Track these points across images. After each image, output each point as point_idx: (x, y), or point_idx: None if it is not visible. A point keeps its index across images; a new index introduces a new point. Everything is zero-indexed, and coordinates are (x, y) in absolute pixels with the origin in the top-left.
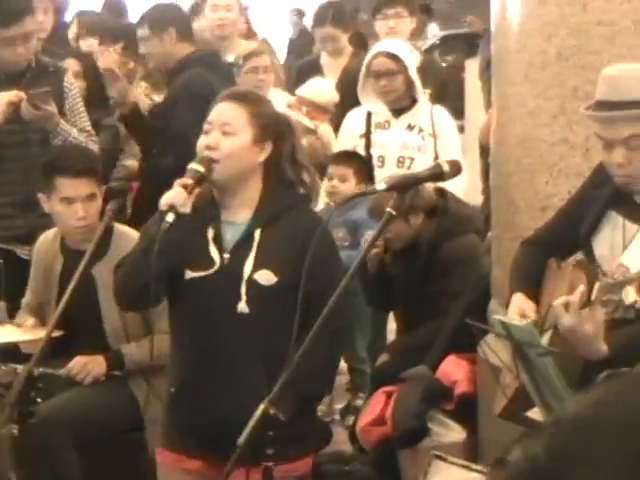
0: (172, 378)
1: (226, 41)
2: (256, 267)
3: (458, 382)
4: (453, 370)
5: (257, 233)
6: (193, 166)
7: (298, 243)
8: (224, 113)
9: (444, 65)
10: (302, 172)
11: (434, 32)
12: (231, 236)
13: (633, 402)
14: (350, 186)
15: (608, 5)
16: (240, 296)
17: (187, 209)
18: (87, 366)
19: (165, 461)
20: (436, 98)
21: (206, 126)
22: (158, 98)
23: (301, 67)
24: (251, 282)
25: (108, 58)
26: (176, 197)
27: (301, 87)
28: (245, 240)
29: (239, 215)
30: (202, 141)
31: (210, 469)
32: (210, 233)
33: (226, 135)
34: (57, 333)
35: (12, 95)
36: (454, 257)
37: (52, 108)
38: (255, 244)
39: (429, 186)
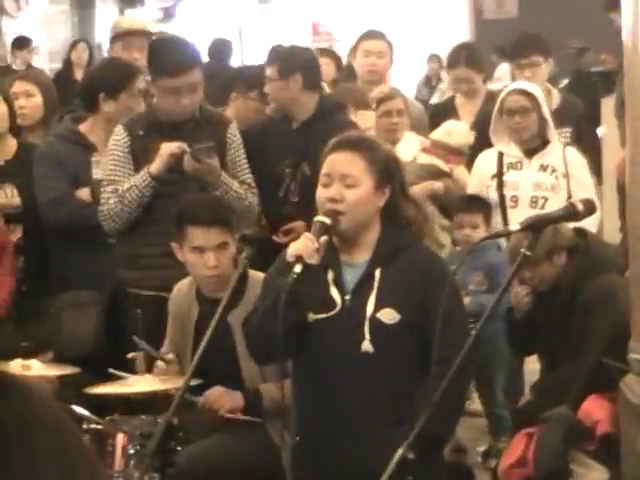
0: (297, 425)
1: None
2: (378, 306)
3: (600, 422)
4: (594, 410)
5: (377, 273)
6: (320, 219)
7: (417, 281)
8: (342, 164)
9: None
10: (414, 206)
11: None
12: (351, 277)
13: None
14: (481, 232)
15: None
16: (364, 335)
17: (314, 260)
18: (223, 396)
19: None
20: (576, 135)
21: (324, 179)
22: None
23: (436, 109)
24: (374, 321)
25: None
26: (304, 248)
27: (436, 130)
28: (365, 280)
29: (358, 257)
30: (323, 194)
31: None
32: (330, 275)
33: (348, 187)
34: (195, 382)
35: (175, 147)
36: (596, 296)
37: (215, 162)
38: (376, 284)
39: (569, 225)
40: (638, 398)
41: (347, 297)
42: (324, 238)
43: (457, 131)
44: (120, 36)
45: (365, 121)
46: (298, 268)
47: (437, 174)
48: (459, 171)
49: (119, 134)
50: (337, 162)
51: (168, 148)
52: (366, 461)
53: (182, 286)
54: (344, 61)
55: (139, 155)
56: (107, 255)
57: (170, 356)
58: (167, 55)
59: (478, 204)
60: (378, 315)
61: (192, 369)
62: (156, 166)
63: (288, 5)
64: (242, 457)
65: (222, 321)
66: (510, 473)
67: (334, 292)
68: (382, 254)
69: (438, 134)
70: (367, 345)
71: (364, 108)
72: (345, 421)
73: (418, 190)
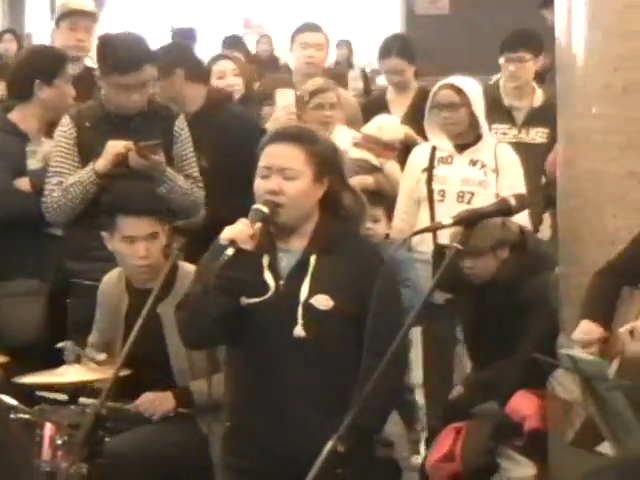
0: (229, 411)
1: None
2: (312, 292)
3: (528, 417)
4: (523, 406)
5: (312, 259)
6: (258, 207)
7: (354, 271)
8: (281, 157)
9: None
10: (353, 196)
11: None
12: (286, 263)
13: None
14: (382, 225)
15: None
16: (297, 320)
17: (248, 245)
18: (155, 402)
19: None
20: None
21: (263, 171)
22: None
23: (368, 103)
24: (307, 306)
25: None
26: (239, 233)
27: (367, 124)
28: (300, 266)
29: (294, 243)
30: (262, 186)
31: None
32: (265, 260)
33: (288, 179)
34: (124, 372)
35: (121, 146)
36: (532, 298)
37: (160, 158)
38: (310, 270)
39: (516, 221)
40: (567, 393)
41: (281, 282)
42: (259, 225)
43: (388, 126)
44: (67, 15)
45: (285, 99)
46: (230, 251)
47: (368, 169)
48: (390, 165)
49: (65, 125)
50: (276, 154)
51: (114, 147)
52: (296, 449)
53: (111, 277)
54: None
55: (85, 147)
56: (49, 245)
57: (101, 357)
58: (118, 51)
59: (378, 198)
60: (312, 301)
61: (121, 360)
62: (102, 163)
63: None
64: (170, 448)
65: (152, 312)
66: (438, 468)
67: (268, 277)
68: (319, 242)
69: (370, 128)
70: (299, 330)
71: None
72: (277, 407)
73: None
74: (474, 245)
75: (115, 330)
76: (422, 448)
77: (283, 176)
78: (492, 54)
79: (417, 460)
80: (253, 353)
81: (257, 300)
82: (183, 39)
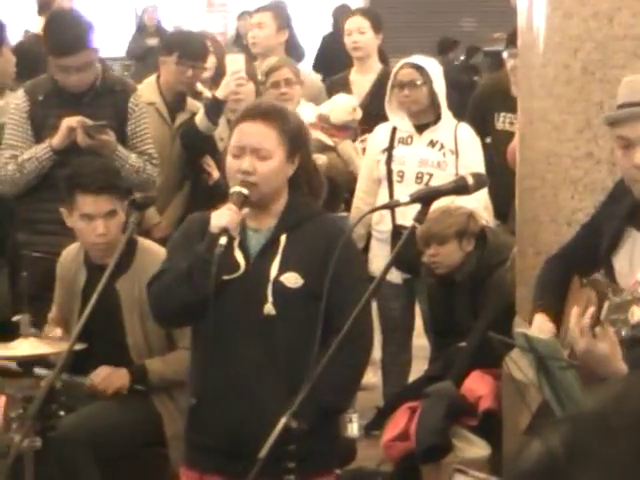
0: (194, 388)
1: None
2: (282, 270)
3: (482, 398)
4: (477, 386)
5: (282, 238)
6: (239, 190)
7: (322, 250)
8: (254, 136)
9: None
10: (317, 176)
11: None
12: (256, 242)
13: None
14: None
15: (634, 19)
16: (267, 298)
17: (236, 233)
18: (110, 377)
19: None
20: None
21: (235, 150)
22: None
23: (331, 84)
24: (277, 284)
25: None
26: (230, 221)
27: (322, 104)
28: (270, 245)
29: (264, 223)
30: (235, 165)
31: None
32: (235, 239)
33: (261, 158)
34: (80, 347)
35: (74, 121)
36: (493, 294)
37: (108, 137)
38: (280, 249)
39: (482, 214)
40: (521, 374)
41: (251, 261)
42: (246, 210)
43: (338, 107)
44: None
45: (235, 65)
46: (224, 240)
47: (322, 148)
48: (344, 145)
49: (19, 98)
50: (249, 133)
51: (68, 122)
52: (261, 427)
53: (70, 251)
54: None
55: (38, 120)
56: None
57: (58, 332)
58: (58, 34)
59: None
60: (281, 279)
61: (76, 333)
62: (58, 139)
63: None
64: (124, 424)
65: (109, 288)
66: (392, 446)
67: (238, 255)
68: (288, 221)
69: (324, 108)
70: (270, 308)
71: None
72: (243, 385)
73: None
74: (439, 231)
75: (72, 305)
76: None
77: (256, 156)
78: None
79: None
80: (221, 330)
81: (228, 278)
82: None
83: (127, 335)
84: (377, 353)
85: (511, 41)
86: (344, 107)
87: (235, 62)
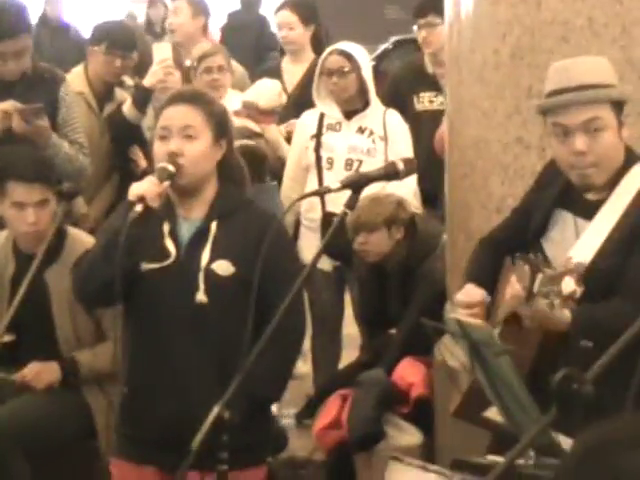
0: (126, 377)
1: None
2: (213, 258)
3: (414, 385)
4: (409, 373)
5: (213, 226)
6: (164, 165)
7: (253, 237)
8: (182, 117)
9: None
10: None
11: None
12: (187, 231)
13: None
14: None
15: (562, 4)
16: (198, 286)
17: (155, 203)
18: (41, 372)
19: (119, 471)
20: None
21: (162, 131)
22: None
23: (262, 73)
24: (209, 272)
25: None
26: (148, 189)
27: (247, 90)
28: (201, 233)
29: (195, 212)
30: (162, 148)
31: (166, 477)
32: (166, 227)
33: (188, 139)
34: (8, 338)
35: (8, 105)
36: (423, 285)
37: (44, 123)
38: (211, 236)
39: (412, 202)
40: (454, 360)
41: (182, 249)
42: (167, 183)
43: (266, 92)
44: None
45: (161, 53)
46: (139, 207)
47: (249, 135)
48: (271, 130)
49: None
50: (175, 115)
51: (2, 106)
52: (193, 418)
53: None
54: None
55: None
56: None
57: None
58: None
59: None
60: (213, 266)
61: (4, 325)
62: None
63: None
64: (54, 417)
65: (38, 278)
66: (324, 435)
67: (169, 243)
68: (219, 209)
69: (249, 95)
70: (201, 296)
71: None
72: (175, 375)
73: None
74: (368, 218)
75: (1, 294)
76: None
77: (184, 135)
78: (379, 23)
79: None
80: (152, 319)
81: (158, 265)
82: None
83: (56, 327)
84: (307, 342)
85: (420, 13)
86: (271, 92)
87: (162, 50)
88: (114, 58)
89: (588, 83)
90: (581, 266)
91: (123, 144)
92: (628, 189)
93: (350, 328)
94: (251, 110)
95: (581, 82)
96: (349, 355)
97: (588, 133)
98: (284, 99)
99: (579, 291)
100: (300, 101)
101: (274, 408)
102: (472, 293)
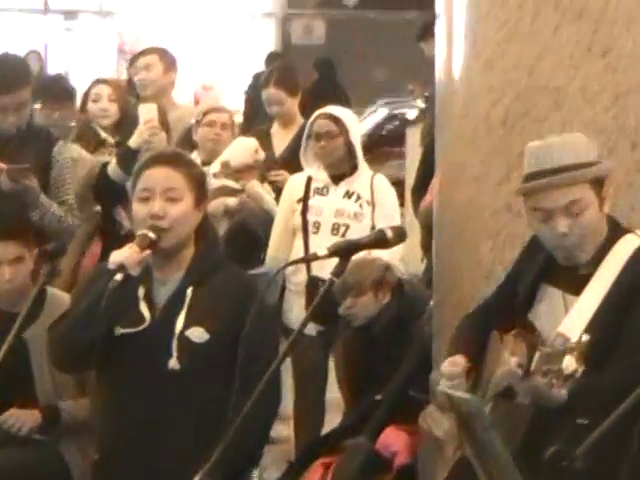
0: (98, 443)
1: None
2: (188, 324)
3: (398, 453)
4: (393, 441)
5: (189, 291)
6: (145, 232)
7: (229, 303)
8: (165, 179)
9: None
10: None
11: None
12: (162, 294)
13: None
14: None
15: (555, 71)
16: (171, 353)
17: (136, 272)
18: (21, 417)
19: None
20: None
21: (144, 193)
22: None
23: (252, 136)
24: (183, 339)
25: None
26: (128, 258)
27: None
28: (177, 298)
29: (171, 274)
30: (144, 209)
31: None
32: (141, 291)
33: (171, 201)
34: None
35: None
36: (416, 345)
37: (32, 183)
38: (187, 302)
39: (398, 266)
40: (438, 429)
41: (157, 313)
42: (148, 252)
43: (238, 149)
44: None
45: (148, 113)
46: (119, 276)
47: (228, 192)
48: (252, 184)
49: None
50: (157, 177)
51: None
52: None
53: None
54: None
55: None
56: None
57: None
58: None
59: None
60: (187, 333)
61: None
62: None
63: (94, 22)
64: (31, 472)
65: (18, 337)
66: None
67: (144, 307)
68: (196, 273)
69: (225, 154)
70: (174, 362)
71: None
72: (148, 440)
73: (213, 206)
74: (355, 282)
75: None
76: None
77: (167, 198)
78: (367, 85)
79: None
80: (125, 384)
81: (132, 330)
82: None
83: (36, 385)
84: (290, 406)
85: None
86: (243, 149)
87: (148, 111)
88: (51, 112)
89: (565, 165)
90: (582, 344)
91: (107, 204)
92: (615, 262)
93: (334, 393)
94: (227, 169)
95: (558, 164)
96: (332, 420)
97: (569, 215)
98: (261, 156)
99: (580, 370)
100: (289, 164)
101: (255, 473)
102: (456, 362)
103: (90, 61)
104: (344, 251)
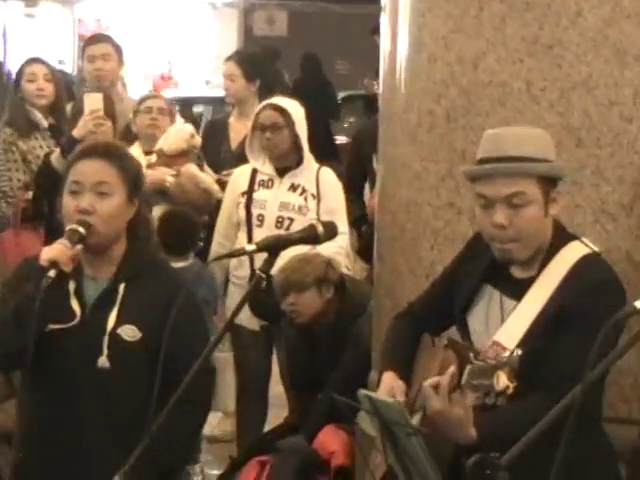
0: (20, 441)
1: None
2: (119, 322)
3: (335, 454)
4: (330, 441)
5: (121, 288)
6: (74, 227)
7: (162, 302)
8: (96, 172)
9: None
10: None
11: None
12: (93, 291)
13: None
14: None
15: (499, 65)
16: (102, 350)
17: (69, 268)
18: None
19: None
20: None
21: (73, 186)
22: None
23: (209, 126)
24: (114, 336)
25: None
26: (60, 254)
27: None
28: (108, 295)
29: (102, 271)
30: (72, 203)
31: None
32: (71, 286)
33: (102, 196)
34: None
35: None
36: (357, 343)
37: None
38: (119, 299)
39: (342, 263)
40: (374, 430)
41: (87, 310)
42: (79, 247)
43: (170, 136)
44: None
45: (93, 103)
46: (52, 273)
47: (163, 181)
48: (187, 167)
49: None
50: (88, 170)
51: None
52: None
53: None
54: None
55: None
56: None
57: None
58: None
59: None
60: (118, 331)
61: None
62: None
63: (54, 9)
64: None
65: None
66: None
67: (74, 304)
68: (128, 270)
69: (159, 142)
70: (104, 360)
71: None
72: (76, 440)
73: (149, 182)
74: (297, 278)
75: None
76: None
77: (97, 192)
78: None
79: None
80: (53, 382)
81: (62, 327)
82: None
83: None
84: (233, 402)
85: None
86: (176, 135)
87: (93, 101)
88: None
89: (515, 155)
90: (514, 360)
91: (50, 194)
92: (558, 270)
93: (277, 387)
94: (161, 157)
95: (508, 153)
96: (277, 415)
97: (510, 207)
98: (197, 141)
99: (512, 387)
100: (244, 161)
101: (197, 468)
102: (393, 387)
103: (49, 47)
104: (273, 246)
